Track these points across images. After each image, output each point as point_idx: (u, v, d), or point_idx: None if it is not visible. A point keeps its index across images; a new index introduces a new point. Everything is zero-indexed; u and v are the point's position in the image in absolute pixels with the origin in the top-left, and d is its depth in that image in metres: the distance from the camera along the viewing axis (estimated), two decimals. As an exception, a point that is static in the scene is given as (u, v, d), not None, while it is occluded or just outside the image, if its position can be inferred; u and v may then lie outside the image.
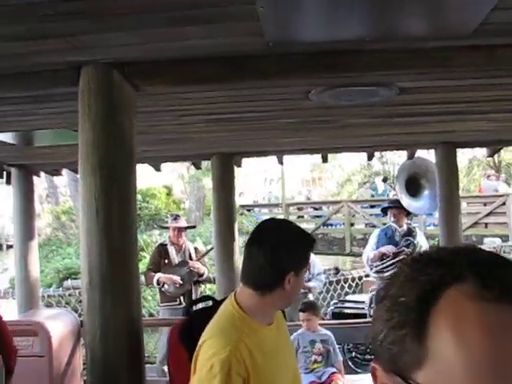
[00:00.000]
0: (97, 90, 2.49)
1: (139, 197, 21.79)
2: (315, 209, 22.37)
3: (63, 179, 20.50)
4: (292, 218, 20.16)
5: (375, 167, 26.09)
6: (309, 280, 6.97)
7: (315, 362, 5.19)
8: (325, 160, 6.56)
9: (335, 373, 5.17)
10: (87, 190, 2.50)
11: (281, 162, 6.48)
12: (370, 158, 6.25)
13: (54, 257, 18.06)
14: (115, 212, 2.52)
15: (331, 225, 20.21)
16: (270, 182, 34.69)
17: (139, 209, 22.02)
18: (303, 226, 17.45)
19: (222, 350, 1.80)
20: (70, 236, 20.88)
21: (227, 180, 6.03)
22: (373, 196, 20.25)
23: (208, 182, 20.56)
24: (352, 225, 19.06)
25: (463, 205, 17.75)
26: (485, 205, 16.76)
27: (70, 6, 1.91)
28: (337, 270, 10.35)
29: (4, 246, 28.26)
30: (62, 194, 26.22)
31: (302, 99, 3.26)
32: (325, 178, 35.05)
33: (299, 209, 22.39)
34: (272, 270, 1.93)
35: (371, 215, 18.03)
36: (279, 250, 1.92)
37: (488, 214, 16.11)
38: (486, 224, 16.22)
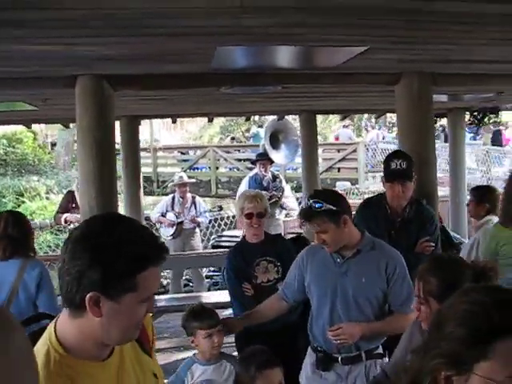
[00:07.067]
0: (90, 92, 3.77)
1: (5, 141, 21.38)
2: (182, 153, 23.31)
3: None
4: (160, 161, 21.22)
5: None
6: (196, 217, 8.41)
7: None
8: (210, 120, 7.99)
9: None
10: (85, 159, 3.82)
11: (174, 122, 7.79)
12: (248, 119, 7.78)
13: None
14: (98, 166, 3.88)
15: (197, 168, 21.36)
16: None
17: (5, 154, 21.55)
18: (170, 169, 18.09)
19: None
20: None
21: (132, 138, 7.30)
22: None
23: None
24: (217, 168, 20.17)
25: (319, 151, 19.66)
26: (338, 151, 18.49)
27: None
28: (220, 208, 12.07)
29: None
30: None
31: (215, 90, 4.69)
32: (187, 121, 35.78)
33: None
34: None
35: (235, 160, 19.51)
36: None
37: (341, 160, 17.71)
38: (339, 169, 17.83)
